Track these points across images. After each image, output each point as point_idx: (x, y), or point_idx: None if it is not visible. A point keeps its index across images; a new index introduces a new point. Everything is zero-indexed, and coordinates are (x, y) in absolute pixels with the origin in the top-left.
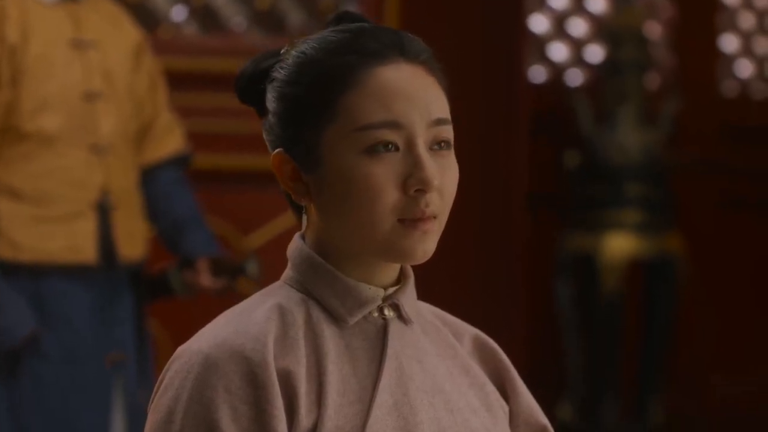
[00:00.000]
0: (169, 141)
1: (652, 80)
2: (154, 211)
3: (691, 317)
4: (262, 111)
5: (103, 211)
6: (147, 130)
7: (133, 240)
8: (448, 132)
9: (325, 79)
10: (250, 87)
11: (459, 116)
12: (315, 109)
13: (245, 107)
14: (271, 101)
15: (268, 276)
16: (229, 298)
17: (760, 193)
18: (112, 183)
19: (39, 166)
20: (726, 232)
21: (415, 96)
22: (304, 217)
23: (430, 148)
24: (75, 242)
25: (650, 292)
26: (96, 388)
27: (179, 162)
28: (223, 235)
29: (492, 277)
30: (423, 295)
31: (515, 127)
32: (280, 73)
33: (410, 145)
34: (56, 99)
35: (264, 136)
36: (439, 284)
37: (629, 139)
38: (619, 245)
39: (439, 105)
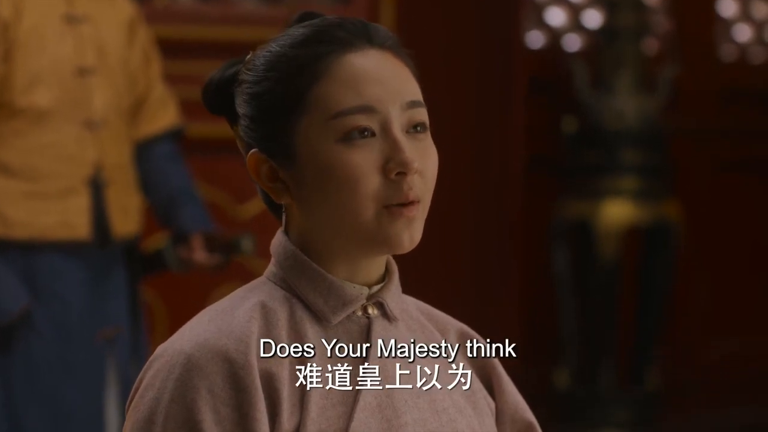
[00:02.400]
0: (164, 115)
1: (650, 45)
2: (148, 185)
3: (688, 282)
4: (233, 118)
5: (97, 187)
6: (141, 104)
7: (127, 215)
8: (422, 115)
9: (294, 71)
10: (218, 95)
11: (456, 82)
12: (286, 102)
13: None
14: (241, 105)
15: (263, 246)
16: (223, 271)
17: (758, 158)
18: (105, 158)
19: (31, 141)
20: (724, 197)
21: (386, 80)
22: (284, 217)
23: (406, 132)
24: (68, 218)
25: (647, 259)
26: (89, 363)
27: (173, 136)
28: (219, 203)
29: (487, 243)
30: (418, 262)
31: (512, 93)
32: (247, 75)
33: (386, 128)
34: (49, 74)
35: (237, 143)
36: (433, 251)
37: (627, 104)
38: (617, 212)
39: (411, 88)
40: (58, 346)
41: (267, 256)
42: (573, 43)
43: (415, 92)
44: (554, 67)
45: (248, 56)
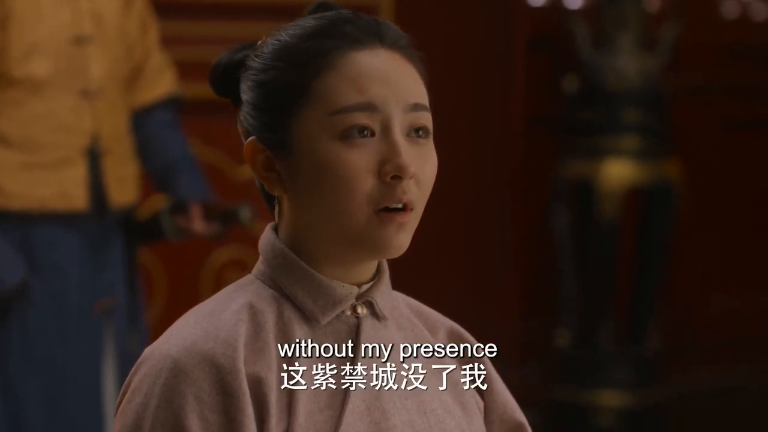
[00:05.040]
0: (161, 83)
1: (652, 3)
2: (146, 153)
3: (689, 240)
4: (237, 102)
5: (94, 157)
6: (138, 72)
7: (124, 185)
8: (426, 119)
9: (299, 63)
10: (224, 77)
11: (456, 40)
12: (289, 93)
13: (240, 36)
14: (245, 91)
15: (262, 209)
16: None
17: (760, 116)
18: (102, 128)
19: (28, 112)
20: (726, 156)
21: (391, 80)
22: (277, 209)
23: (407, 135)
24: (65, 189)
25: (648, 219)
26: (86, 334)
27: (171, 104)
28: (216, 164)
29: (487, 203)
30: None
31: (513, 51)
32: (255, 62)
33: (386, 129)
34: (45, 44)
35: (238, 127)
36: (432, 210)
37: (628, 64)
38: (617, 172)
39: (417, 91)
40: (56, 318)
41: (265, 220)
42: (574, 1)
43: (420, 95)
44: (555, 25)
45: (258, 42)
